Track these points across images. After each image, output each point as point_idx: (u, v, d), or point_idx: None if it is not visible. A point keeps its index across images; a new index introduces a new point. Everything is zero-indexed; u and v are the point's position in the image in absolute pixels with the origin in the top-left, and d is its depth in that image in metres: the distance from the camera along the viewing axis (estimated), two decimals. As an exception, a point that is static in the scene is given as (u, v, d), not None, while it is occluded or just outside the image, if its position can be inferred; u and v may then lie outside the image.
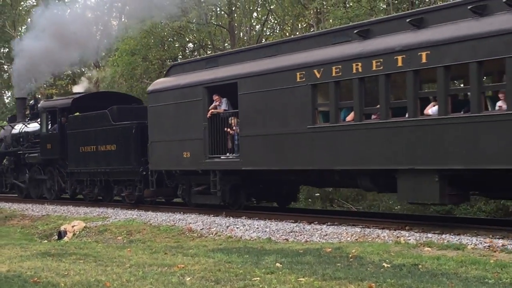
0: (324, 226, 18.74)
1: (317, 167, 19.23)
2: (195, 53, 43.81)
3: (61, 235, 23.02)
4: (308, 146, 19.08)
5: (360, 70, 17.56)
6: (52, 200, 31.36)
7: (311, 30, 37.94)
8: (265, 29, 40.80)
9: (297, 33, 39.09)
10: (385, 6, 31.10)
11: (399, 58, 16.60)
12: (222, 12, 40.88)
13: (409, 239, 15.41)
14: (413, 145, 16.44)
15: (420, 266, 11.51)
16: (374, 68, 17.22)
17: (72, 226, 23.15)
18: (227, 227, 19.90)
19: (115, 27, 55.89)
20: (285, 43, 21.30)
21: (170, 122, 24.03)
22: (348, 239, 16.64)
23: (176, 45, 41.87)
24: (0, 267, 12.94)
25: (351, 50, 17.98)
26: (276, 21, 40.49)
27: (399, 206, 22.61)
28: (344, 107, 18.49)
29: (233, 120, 21.93)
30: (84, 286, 10.74)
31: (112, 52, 47.22)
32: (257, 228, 19.28)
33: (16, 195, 34.49)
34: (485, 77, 16.14)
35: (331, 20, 32.38)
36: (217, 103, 22.43)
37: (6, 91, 59.02)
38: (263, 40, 38.97)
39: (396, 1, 30.11)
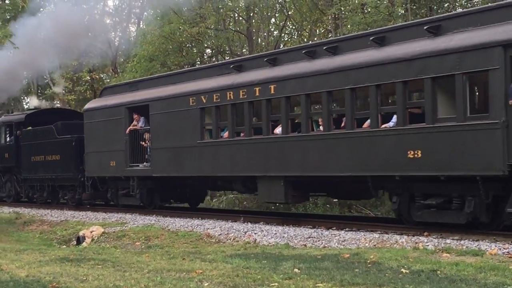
0: (342, 231, 18.72)
1: (204, 174, 23.90)
2: (213, 59, 43.85)
3: (79, 240, 23.09)
4: (197, 157, 23.63)
5: (232, 97, 22.31)
6: (10, 202, 35.73)
7: (329, 36, 37.90)
8: (283, 34, 40.77)
9: (315, 38, 39.07)
10: (403, 12, 31.02)
11: (257, 89, 21.34)
12: (240, 18, 40.90)
13: (428, 245, 15.35)
14: (267, 157, 21.00)
15: (438, 272, 11.46)
16: (241, 96, 21.92)
17: (91, 232, 23.21)
18: (245, 232, 19.90)
19: (133, 33, 56.20)
20: (184, 73, 26.51)
21: (100, 136, 28.54)
22: (366, 244, 16.60)
23: (194, 50, 41.92)
24: (19, 272, 12.99)
25: (226, 81, 22.77)
26: (294, 27, 40.45)
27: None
28: (223, 126, 22.97)
29: (146, 135, 26.33)
30: (102, 291, 10.77)
31: (131, 58, 47.38)
32: (275, 233, 19.27)
33: None
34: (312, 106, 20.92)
35: (349, 26, 32.34)
36: (135, 121, 26.95)
37: None
38: (281, 46, 38.97)
39: (415, 7, 30.05)
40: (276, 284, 10.77)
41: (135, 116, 26.95)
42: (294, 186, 20.90)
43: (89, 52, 53.02)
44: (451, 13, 20.85)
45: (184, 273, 12.27)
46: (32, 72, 56.84)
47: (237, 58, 26.68)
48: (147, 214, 26.27)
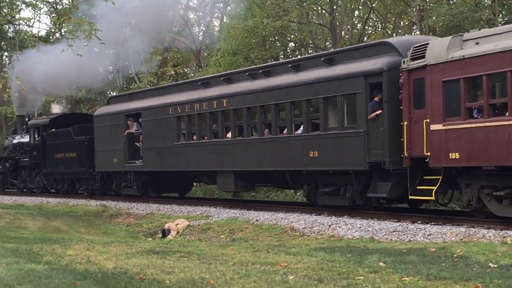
0: (428, 225, 18.49)
1: (180, 169, 29.91)
2: (296, 53, 43.76)
3: (165, 233, 23.36)
4: (175, 155, 29.54)
5: (198, 108, 28.20)
6: (40, 192, 41.40)
7: (414, 28, 37.44)
8: (366, 27, 40.42)
9: (400, 31, 38.64)
10: (490, 2, 30.43)
11: (215, 102, 27.23)
12: (324, 11, 40.70)
13: (516, 240, 15.08)
14: (222, 156, 26.74)
15: (528, 267, 11.24)
16: (204, 108, 27.82)
17: (176, 225, 23.46)
18: (329, 226, 19.84)
19: (217, 27, 56.51)
20: (166, 88, 33.63)
21: (106, 137, 34.28)
22: (453, 239, 16.38)
23: (278, 44, 41.87)
24: (107, 263, 13.21)
25: (195, 96, 28.80)
26: (378, 19, 40.06)
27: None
28: (193, 131, 28.90)
29: (140, 137, 32.24)
30: (188, 283, 10.86)
31: (214, 52, 47.62)
32: (360, 227, 19.17)
33: (17, 190, 44.52)
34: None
35: (434, 18, 31.88)
36: (130, 126, 32.78)
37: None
38: (365, 39, 38.68)
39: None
40: (362, 277, 10.72)
41: (128, 122, 32.91)
42: (242, 178, 26.67)
43: (174, 46, 53.62)
44: (339, 49, 27.63)
45: (269, 266, 12.30)
46: (118, 67, 57.85)
47: (204, 77, 32.22)
48: (232, 208, 26.44)
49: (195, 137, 28.66)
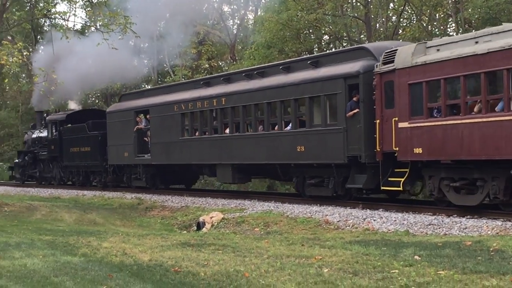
0: (464, 219, 18.36)
1: (184, 162, 31.80)
2: (331, 45, 43.62)
3: (199, 226, 23.42)
4: (179, 149, 31.45)
5: (200, 106, 30.17)
6: (57, 184, 43.38)
7: (449, 20, 37.16)
8: (401, 20, 40.13)
9: (435, 23, 38.35)
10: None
11: (215, 100, 29.14)
12: (358, 4, 40.49)
13: (554, 233, 14.94)
14: (221, 150, 28.68)
15: None
16: (205, 105, 29.79)
17: (211, 217, 23.51)
18: (364, 219, 19.78)
19: (251, 20, 56.51)
20: (171, 86, 35.79)
21: (118, 132, 36.18)
22: (489, 232, 16.25)
23: (312, 37, 41.75)
24: (142, 256, 13.30)
25: (197, 94, 30.74)
26: (413, 12, 39.74)
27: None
28: (196, 127, 30.74)
29: (148, 133, 34.22)
30: (223, 276, 10.90)
31: (249, 45, 47.61)
32: (395, 220, 19.09)
33: (36, 181, 46.46)
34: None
35: (470, 10, 31.62)
36: (139, 122, 35.17)
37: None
38: (400, 32, 38.45)
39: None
40: (397, 271, 10.69)
41: (137, 118, 35.32)
42: (239, 170, 28.59)
43: (208, 40, 53.71)
44: (323, 53, 30.35)
45: (304, 259, 12.31)
46: (152, 61, 58.07)
47: (206, 76, 35.29)
48: (266, 201, 26.43)
49: (197, 133, 30.63)
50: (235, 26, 58.60)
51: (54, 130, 43.20)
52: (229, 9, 61.29)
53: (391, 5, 41.55)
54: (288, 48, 39.10)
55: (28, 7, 52.70)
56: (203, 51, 52.70)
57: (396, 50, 21.15)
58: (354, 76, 22.43)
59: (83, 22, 29.79)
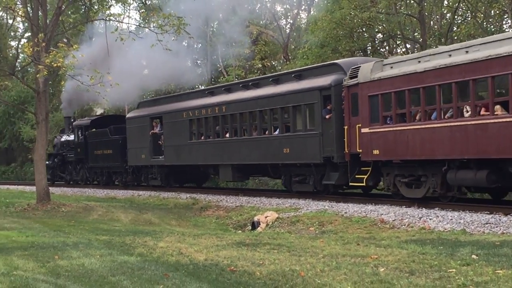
0: (522, 217, 18.13)
1: (191, 163, 35.87)
2: (384, 44, 43.35)
3: (254, 225, 23.45)
4: (188, 152, 35.35)
5: (204, 113, 34.12)
6: (84, 184, 46.97)
7: (505, 16, 36.64)
8: (456, 17, 39.67)
9: (490, 20, 37.86)
10: None
11: (217, 108, 32.98)
12: (412, 1, 40.14)
13: None
14: (222, 152, 32.44)
15: None
16: (209, 112, 33.64)
17: (265, 217, 23.53)
18: (420, 218, 19.63)
19: (304, 19, 56.43)
20: (181, 95, 39.35)
21: (136, 136, 40.10)
22: (548, 231, 16.02)
23: (366, 35, 41.50)
24: (198, 255, 13.37)
25: (202, 102, 34.77)
26: (468, 9, 39.27)
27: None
28: (201, 131, 34.49)
29: (162, 137, 37.97)
30: (279, 275, 10.91)
31: (302, 45, 47.51)
32: (451, 219, 18.90)
33: (64, 182, 49.98)
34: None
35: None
36: (155, 127, 39.04)
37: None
38: (454, 29, 38.03)
39: None
40: (454, 270, 10.60)
41: (154, 123, 39.15)
42: (238, 170, 32.42)
43: (261, 39, 53.74)
44: (305, 67, 32.24)
45: (359, 258, 12.26)
46: (206, 61, 58.25)
47: (210, 87, 39.14)
48: (320, 200, 26.38)
49: (202, 137, 34.38)
50: (288, 26, 58.61)
51: (80, 135, 46.88)
52: (282, 9, 61.33)
53: (446, 2, 41.11)
54: (341, 47, 38.91)
55: (83, 10, 53.35)
56: (256, 51, 52.76)
57: (359, 66, 24.85)
58: (327, 88, 26.37)
59: (137, 24, 29.99)
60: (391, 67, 23.47)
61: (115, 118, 46.78)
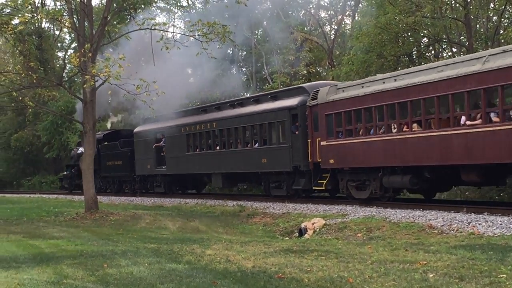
0: None
1: (188, 172, 40.77)
2: (430, 48, 43.04)
3: (301, 232, 23.41)
4: (185, 162, 40.13)
5: (199, 128, 38.95)
6: (97, 192, 45.47)
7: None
8: (503, 19, 39.22)
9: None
10: None
11: (208, 124, 37.90)
12: (457, 5, 39.80)
13: None
14: (214, 162, 37.26)
15: None
16: (202, 128, 38.41)
17: (312, 224, 23.47)
18: (469, 223, 19.42)
19: (349, 25, 56.28)
20: (180, 112, 41.56)
21: (142, 149, 44.96)
22: None
23: (411, 40, 41.21)
24: (245, 263, 13.37)
25: (196, 119, 39.53)
26: (514, 11, 38.79)
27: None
28: (196, 144, 39.51)
29: (164, 149, 42.60)
30: (327, 282, 10.87)
31: (347, 51, 47.36)
32: (500, 224, 18.66)
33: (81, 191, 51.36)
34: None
35: None
36: (161, 140, 43.19)
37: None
38: (501, 32, 37.61)
39: None
40: (504, 275, 10.48)
41: (161, 135, 43.32)
42: (227, 178, 37.18)
43: (306, 46, 53.69)
44: (279, 89, 38.35)
45: (408, 264, 12.17)
46: (251, 68, 58.42)
47: (204, 105, 42.62)
48: (368, 206, 26.26)
49: (197, 149, 39.32)
50: (333, 32, 58.51)
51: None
52: (326, 15, 61.26)
53: (492, 4, 40.68)
54: (386, 52, 38.69)
55: (128, 20, 53.79)
56: (300, 57, 52.73)
57: (319, 90, 29.59)
58: (294, 108, 31.00)
59: (182, 33, 30.20)
60: (343, 91, 28.30)
61: (124, 132, 51.06)
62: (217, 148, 37.07)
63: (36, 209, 35.13)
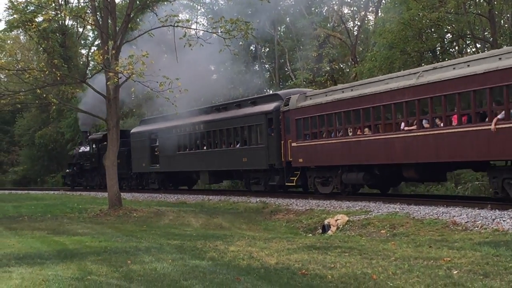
0: None
1: (178, 170, 44.49)
2: (454, 44, 42.84)
3: (325, 228, 23.37)
4: (176, 160, 43.85)
5: (187, 130, 42.24)
6: (98, 189, 54.42)
7: None
8: (528, 14, 38.96)
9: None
10: None
11: (196, 126, 41.06)
12: (481, 0, 39.60)
13: None
14: (201, 161, 40.91)
15: None
16: (190, 130, 42.05)
17: (336, 220, 23.42)
18: (493, 220, 19.31)
19: (372, 21, 56.09)
20: (170, 115, 38.88)
21: (138, 148, 48.39)
22: None
23: (434, 36, 41.00)
24: (269, 259, 13.38)
25: (186, 121, 41.35)
26: (540, 6, 38.52)
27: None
28: (186, 144, 43.04)
29: (157, 148, 46.12)
30: (350, 278, 10.86)
31: (370, 47, 47.21)
32: (525, 220, 18.56)
33: (82, 187, 58.52)
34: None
35: None
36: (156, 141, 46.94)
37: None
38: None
39: None
40: (530, 272, 10.40)
41: (153, 136, 46.96)
42: (213, 175, 41.32)
43: (328, 42, 53.60)
44: (258, 96, 40.92)
45: (432, 261, 12.13)
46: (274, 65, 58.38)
47: (192, 109, 41.86)
48: (391, 202, 26.17)
49: (187, 149, 42.88)
50: (356, 28, 58.36)
51: (94, 147, 55.72)
52: (349, 11, 61.12)
53: (516, -1, 40.39)
54: (410, 48, 38.54)
55: (151, 17, 53.89)
56: (324, 53, 52.64)
57: (290, 97, 33.33)
58: (270, 112, 34.67)
59: (205, 30, 30.13)
60: (310, 98, 32.08)
61: (122, 133, 53.00)
62: (204, 148, 40.95)
63: (60, 206, 35.30)
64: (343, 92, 29.53)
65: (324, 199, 30.44)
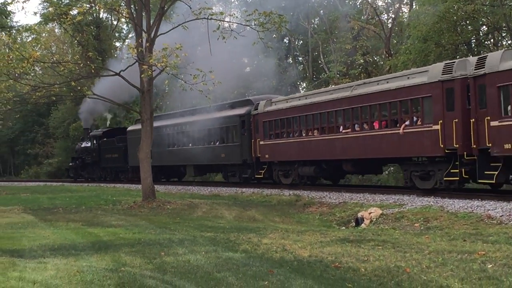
0: None
1: (168, 164, 49.89)
2: (489, 36, 42.45)
3: (358, 221, 23.31)
4: (166, 155, 49.05)
5: (174, 129, 47.95)
6: (98, 180, 61.26)
7: None
8: None
9: None
10: None
11: (182, 126, 47.04)
12: (517, -8, 39.15)
13: None
14: (186, 156, 46.49)
15: None
16: (178, 130, 47.60)
17: (369, 213, 23.35)
18: (529, 214, 19.15)
19: (406, 14, 55.73)
20: (162, 115, 52.42)
21: (134, 144, 48.66)
22: None
23: (469, 28, 40.64)
24: (302, 252, 13.37)
25: (173, 121, 48.55)
26: None
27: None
28: (173, 142, 48.57)
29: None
30: (384, 271, 10.82)
31: (404, 39, 46.94)
32: (561, 215, 18.38)
33: (83, 179, 64.58)
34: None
35: None
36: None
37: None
38: None
39: None
40: None
41: None
42: (197, 168, 47.18)
43: (363, 35, 53.37)
44: (235, 100, 46.03)
45: (466, 255, 12.06)
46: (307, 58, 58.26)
47: (180, 110, 50.83)
48: (425, 196, 26.04)
49: (175, 146, 48.20)
50: (390, 20, 58.05)
51: (95, 142, 61.31)
52: (383, 3, 60.80)
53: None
54: (445, 41, 38.23)
55: (185, 10, 54.02)
56: (358, 46, 52.44)
57: (259, 102, 38.79)
58: (243, 115, 40.07)
59: (239, 22, 30.10)
60: (275, 104, 37.83)
61: (120, 130, 60.26)
62: (190, 145, 46.05)
63: (94, 198, 35.55)
64: (299, 100, 35.79)
65: (357, 192, 30.37)
